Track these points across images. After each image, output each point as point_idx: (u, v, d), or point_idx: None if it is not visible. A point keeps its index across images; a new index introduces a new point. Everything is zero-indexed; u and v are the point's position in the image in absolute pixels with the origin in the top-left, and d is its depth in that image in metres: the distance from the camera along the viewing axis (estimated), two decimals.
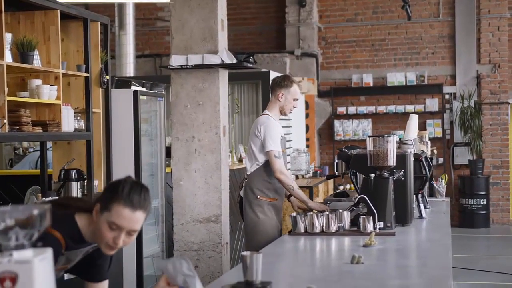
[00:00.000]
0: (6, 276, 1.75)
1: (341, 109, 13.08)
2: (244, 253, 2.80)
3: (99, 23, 6.03)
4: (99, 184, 6.01)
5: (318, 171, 10.78)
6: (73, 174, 5.56)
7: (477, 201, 12.33)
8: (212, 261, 5.61)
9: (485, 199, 12.36)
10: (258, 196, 5.22)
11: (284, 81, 5.30)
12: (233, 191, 6.88)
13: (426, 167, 5.14)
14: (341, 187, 10.66)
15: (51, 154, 6.07)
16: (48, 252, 1.83)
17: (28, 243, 1.81)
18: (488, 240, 11.79)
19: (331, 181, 11.05)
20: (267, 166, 5.17)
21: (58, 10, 5.34)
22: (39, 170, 5.96)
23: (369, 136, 4.54)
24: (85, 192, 5.76)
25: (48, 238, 2.60)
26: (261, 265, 2.78)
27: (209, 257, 5.61)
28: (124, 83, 6.57)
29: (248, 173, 5.32)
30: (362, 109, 12.99)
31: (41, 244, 2.44)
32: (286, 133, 10.08)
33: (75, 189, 5.54)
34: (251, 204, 5.25)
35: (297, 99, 5.33)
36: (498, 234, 11.95)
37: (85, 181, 5.73)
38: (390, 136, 4.49)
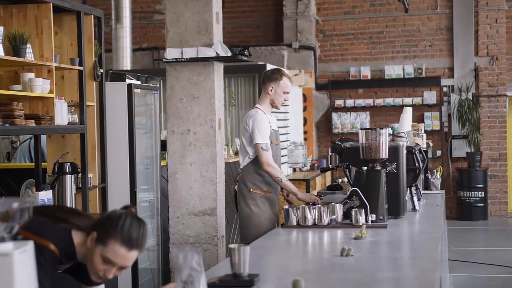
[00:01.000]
0: None
1: (339, 102, 13.07)
2: (232, 246, 2.81)
3: (92, 16, 6.01)
4: (93, 178, 6.01)
5: (316, 164, 10.78)
6: (67, 167, 5.56)
7: (475, 193, 12.34)
8: (208, 254, 5.62)
9: (483, 192, 12.37)
10: (251, 189, 5.25)
11: (274, 75, 5.32)
12: (229, 184, 6.88)
13: (420, 160, 5.14)
14: (339, 180, 10.66)
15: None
16: (29, 245, 1.84)
17: (8, 236, 1.81)
18: (485, 232, 11.80)
19: (328, 174, 11.06)
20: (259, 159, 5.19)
21: (51, 4, 5.33)
22: (33, 164, 5.95)
23: (361, 129, 4.54)
24: (79, 185, 5.76)
25: (45, 250, 2.63)
26: (248, 257, 2.79)
27: (205, 250, 5.61)
28: (119, 76, 6.56)
29: (241, 167, 5.35)
30: (360, 102, 12.98)
31: (38, 255, 2.45)
32: (283, 126, 10.12)
33: (69, 183, 5.54)
34: (244, 197, 5.27)
35: (287, 92, 5.34)
36: (495, 227, 11.96)
37: (79, 174, 5.73)
38: (382, 129, 4.49)
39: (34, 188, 5.53)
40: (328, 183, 10.72)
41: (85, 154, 5.81)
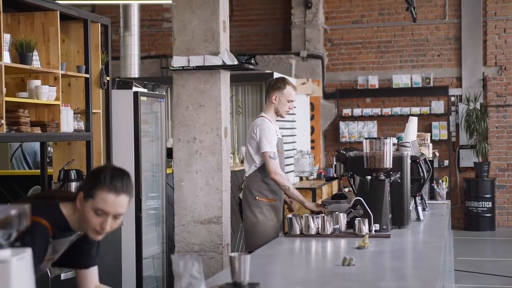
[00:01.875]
0: None
1: (346, 111, 13.07)
2: (232, 254, 2.81)
3: (99, 24, 6.04)
4: None
5: (323, 173, 10.76)
6: (73, 174, 5.58)
7: (482, 203, 12.29)
8: (213, 262, 5.62)
9: (490, 202, 12.32)
10: (257, 197, 5.27)
11: (277, 84, 5.36)
12: (235, 192, 6.88)
13: (424, 170, 5.13)
14: (346, 189, 10.64)
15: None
16: (27, 252, 1.85)
17: (6, 243, 1.82)
18: (493, 243, 11.75)
19: (335, 183, 11.04)
20: (265, 168, 5.21)
21: (58, 11, 5.37)
22: (39, 171, 5.97)
23: (365, 138, 4.54)
24: None
25: (36, 226, 2.68)
26: (248, 266, 2.79)
27: (210, 258, 5.61)
28: (126, 84, 6.58)
29: (246, 175, 5.37)
30: (368, 111, 12.97)
31: (29, 234, 2.49)
32: (290, 134, 10.12)
33: (75, 190, 5.56)
34: (250, 205, 5.29)
35: (291, 101, 5.37)
36: (503, 237, 11.90)
37: None
38: (386, 138, 4.49)
39: None
40: (335, 192, 10.69)
41: (91, 161, 5.82)
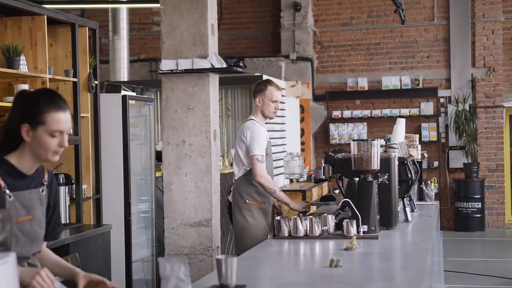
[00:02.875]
0: None
1: (336, 113, 13.10)
2: (219, 257, 2.82)
3: (87, 28, 6.05)
4: (87, 189, 6.02)
5: (313, 175, 10.78)
6: (61, 178, 5.57)
7: (472, 204, 12.34)
8: (203, 265, 5.62)
9: (480, 203, 12.37)
10: (247, 200, 5.29)
11: (259, 86, 5.42)
12: (224, 195, 6.89)
13: (412, 171, 5.15)
14: (337, 191, 10.65)
15: None
16: (11, 257, 1.85)
17: None
18: (483, 243, 11.79)
19: (325, 185, 11.06)
20: None
21: (45, 16, 5.37)
22: None
23: (353, 140, 4.56)
24: (74, 196, 5.77)
25: None
26: (235, 268, 2.80)
27: (200, 261, 5.61)
28: (114, 87, 6.57)
29: (235, 178, 5.38)
30: (357, 113, 13.01)
31: None
32: (280, 137, 10.14)
33: (63, 194, 5.55)
34: (240, 209, 5.31)
35: (275, 101, 5.40)
36: (493, 238, 11.95)
37: (73, 185, 5.74)
38: (374, 140, 4.50)
39: None
40: (325, 193, 10.71)
41: (79, 165, 5.82)
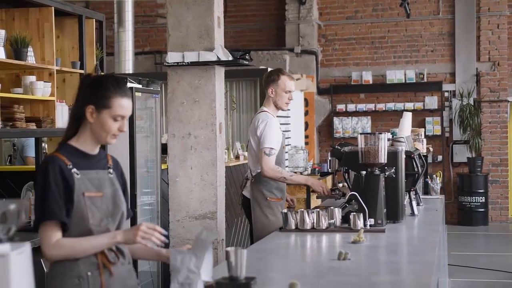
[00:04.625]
0: None
1: (340, 107, 13.09)
2: (228, 249, 2.82)
3: (94, 20, 6.05)
4: None
5: (317, 169, 10.78)
6: None
7: (475, 198, 12.34)
8: None
9: (483, 197, 12.37)
10: (268, 198, 5.22)
11: (271, 76, 5.31)
12: (229, 188, 6.90)
13: (419, 165, 5.15)
14: (340, 185, 10.66)
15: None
16: (26, 246, 1.86)
17: (5, 237, 1.83)
18: (486, 238, 11.80)
19: (330, 178, 11.07)
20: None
21: (53, 7, 5.37)
22: (34, 167, 5.97)
23: (360, 134, 4.55)
24: None
25: (46, 160, 2.84)
26: (245, 260, 2.80)
27: None
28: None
29: (253, 174, 5.31)
30: (362, 106, 13.01)
31: (41, 172, 2.76)
32: (285, 130, 10.13)
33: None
34: (260, 206, 5.23)
35: (289, 91, 5.30)
36: (496, 232, 11.96)
37: None
38: (381, 133, 4.50)
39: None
40: (330, 187, 10.71)
41: None
